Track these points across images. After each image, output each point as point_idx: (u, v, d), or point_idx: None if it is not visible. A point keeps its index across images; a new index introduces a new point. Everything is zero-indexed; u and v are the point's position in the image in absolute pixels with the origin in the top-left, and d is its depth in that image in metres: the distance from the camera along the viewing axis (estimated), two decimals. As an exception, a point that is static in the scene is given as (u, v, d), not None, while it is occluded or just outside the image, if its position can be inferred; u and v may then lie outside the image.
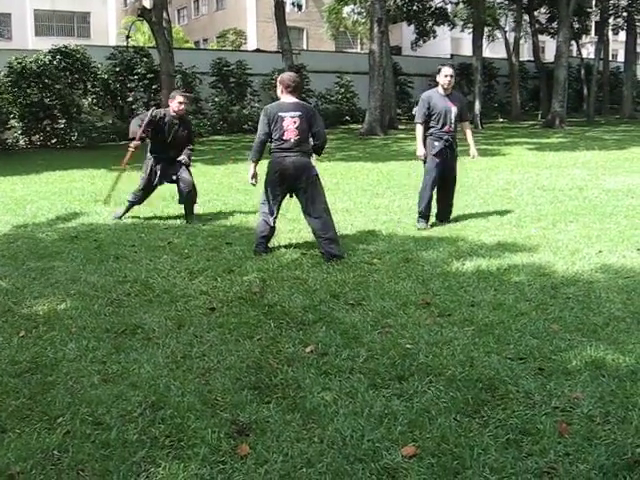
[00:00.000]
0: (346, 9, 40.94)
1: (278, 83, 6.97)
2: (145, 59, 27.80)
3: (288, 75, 7.05)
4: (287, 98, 6.87)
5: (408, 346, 4.47)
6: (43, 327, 5.06)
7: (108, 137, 25.69)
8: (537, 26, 41.12)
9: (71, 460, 3.22)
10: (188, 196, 9.03)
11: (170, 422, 3.54)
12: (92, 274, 6.51)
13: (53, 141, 24.89)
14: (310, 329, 4.86)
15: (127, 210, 9.39)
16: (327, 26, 42.72)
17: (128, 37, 31.00)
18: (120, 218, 9.31)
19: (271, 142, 6.88)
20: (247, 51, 37.66)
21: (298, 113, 6.76)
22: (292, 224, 8.32)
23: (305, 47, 45.12)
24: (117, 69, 27.22)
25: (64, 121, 25.05)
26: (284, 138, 6.74)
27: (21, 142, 24.64)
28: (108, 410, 3.69)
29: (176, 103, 8.78)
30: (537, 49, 41.24)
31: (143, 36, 42.67)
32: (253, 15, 46.08)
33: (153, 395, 3.84)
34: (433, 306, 5.31)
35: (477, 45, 33.04)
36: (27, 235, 8.53)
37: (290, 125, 6.72)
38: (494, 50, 44.57)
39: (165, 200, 10.75)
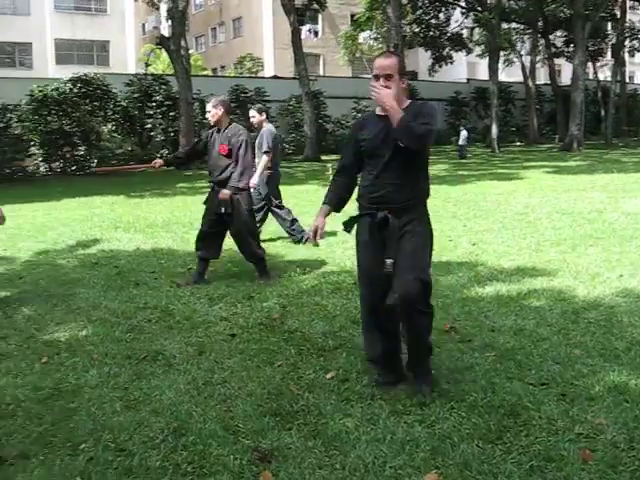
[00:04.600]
0: (362, 35, 41.24)
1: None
2: (163, 86, 28.14)
3: None
4: None
5: (430, 372, 4.46)
6: (65, 353, 5.10)
7: (127, 164, 25.97)
8: (553, 50, 41.33)
9: (94, 487, 3.23)
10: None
11: (192, 449, 3.54)
12: (113, 300, 6.56)
13: (73, 168, 25.18)
14: (331, 355, 4.86)
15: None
16: (343, 52, 43.00)
17: (147, 65, 31.43)
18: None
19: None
20: (264, 77, 38.02)
21: None
22: (311, 250, 8.34)
23: (322, 73, 45.45)
24: (136, 96, 27.56)
25: (84, 148, 25.40)
26: None
27: (41, 169, 24.98)
28: (130, 436, 3.70)
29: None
30: (553, 72, 41.36)
31: (162, 64, 43.24)
32: (270, 42, 46.54)
33: (175, 421, 3.85)
34: (454, 332, 5.30)
35: (493, 69, 33.15)
36: (48, 262, 8.62)
37: None
38: (510, 74, 44.69)
39: (184, 227, 10.84)
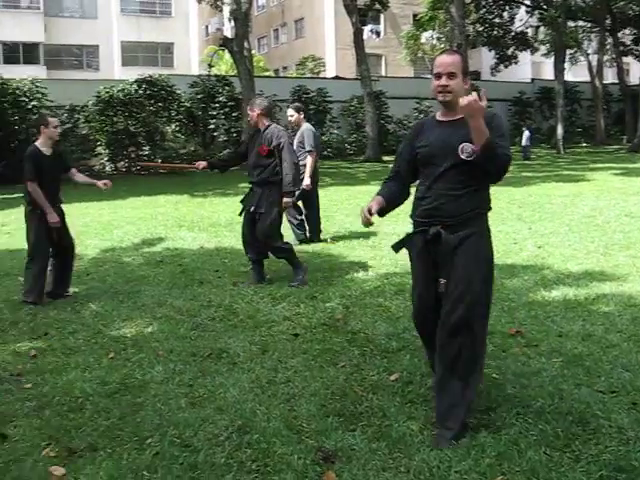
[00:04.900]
0: (425, 35, 40.96)
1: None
2: (227, 87, 28.43)
3: None
4: None
5: (495, 376, 4.38)
6: (131, 349, 5.21)
7: (190, 164, 26.28)
8: (621, 48, 40.22)
9: (160, 481, 3.28)
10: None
11: (256, 447, 3.56)
12: (177, 298, 6.66)
13: (137, 167, 25.69)
14: (394, 357, 4.83)
15: None
16: (405, 52, 42.77)
17: (210, 66, 31.83)
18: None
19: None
20: (326, 78, 38.09)
21: None
22: (374, 251, 8.32)
23: (384, 73, 45.27)
24: (199, 97, 27.92)
25: (148, 148, 25.85)
26: None
27: (107, 168, 25.53)
28: (195, 433, 3.74)
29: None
30: (621, 71, 40.25)
31: (225, 65, 43.73)
32: (332, 43, 46.62)
33: (239, 419, 3.88)
34: (520, 336, 5.20)
35: (559, 69, 32.49)
36: (114, 259, 8.81)
37: None
38: (577, 73, 43.73)
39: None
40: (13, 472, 3.41)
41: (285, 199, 6.96)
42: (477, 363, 3.72)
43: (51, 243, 6.80)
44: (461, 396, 3.63)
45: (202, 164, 7.29)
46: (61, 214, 6.88)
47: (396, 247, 3.96)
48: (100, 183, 7.18)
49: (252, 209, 7.03)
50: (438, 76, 3.64)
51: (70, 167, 7.16)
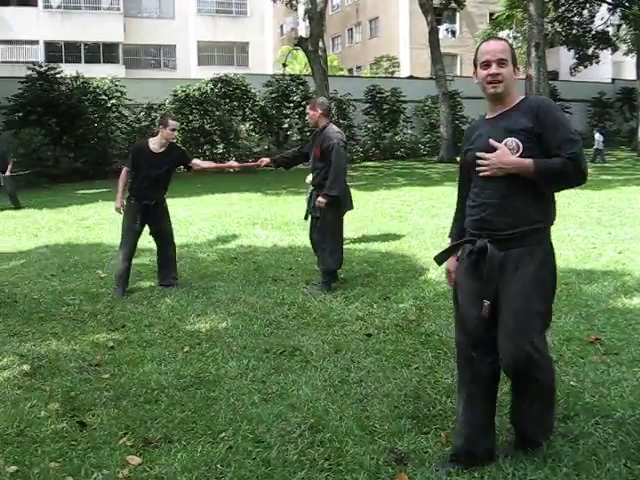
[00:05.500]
0: (501, 34, 40.28)
1: None
2: (301, 87, 28.64)
3: None
4: None
5: (572, 384, 4.27)
6: (206, 344, 5.29)
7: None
8: None
9: (233, 475, 3.31)
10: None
11: (329, 445, 3.56)
12: (251, 295, 6.73)
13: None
14: (468, 360, 4.75)
15: None
16: (481, 52, 42.15)
17: (285, 65, 32.08)
18: None
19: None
20: (400, 78, 37.88)
21: None
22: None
23: (459, 73, 44.70)
24: (274, 96, 28.19)
25: (222, 146, 26.22)
26: None
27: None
28: (268, 429, 3.77)
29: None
30: None
31: (299, 64, 44.00)
32: (406, 42, 46.31)
33: (312, 417, 3.89)
34: (599, 343, 5.04)
35: (642, 69, 31.50)
36: (189, 255, 8.97)
37: None
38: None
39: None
40: (91, 459, 3.50)
41: (319, 199, 6.77)
42: (551, 388, 3.43)
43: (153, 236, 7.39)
44: (542, 420, 3.44)
45: (265, 161, 7.28)
46: (156, 210, 7.25)
47: (439, 259, 3.52)
48: (230, 165, 8.02)
49: (313, 213, 7.01)
50: (487, 64, 3.22)
51: (187, 163, 7.53)
